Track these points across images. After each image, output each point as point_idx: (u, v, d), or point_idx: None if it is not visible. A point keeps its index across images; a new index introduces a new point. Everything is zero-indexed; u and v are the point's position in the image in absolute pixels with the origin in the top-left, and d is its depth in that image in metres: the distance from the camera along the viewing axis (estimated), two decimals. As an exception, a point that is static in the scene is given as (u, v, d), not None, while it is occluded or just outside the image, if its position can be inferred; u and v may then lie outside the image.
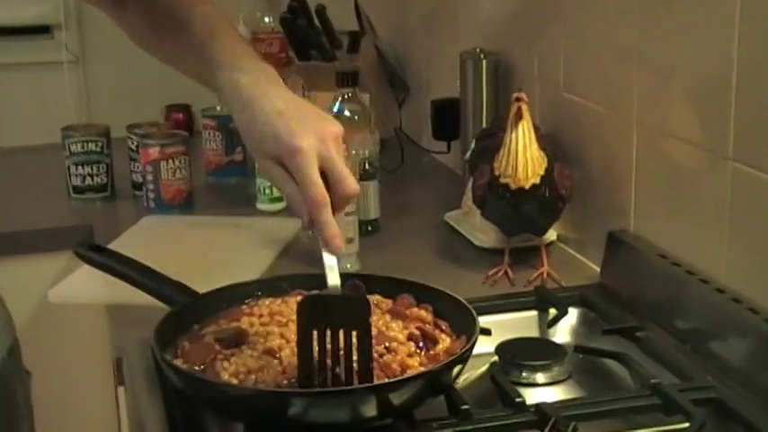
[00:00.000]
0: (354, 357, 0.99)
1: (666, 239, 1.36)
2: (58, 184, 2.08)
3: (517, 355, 1.21)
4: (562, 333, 1.34)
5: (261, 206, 1.91)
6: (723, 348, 1.18)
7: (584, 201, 1.55)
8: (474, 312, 1.14)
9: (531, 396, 1.12)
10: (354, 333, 0.99)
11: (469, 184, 1.71)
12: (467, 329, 1.13)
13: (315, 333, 1.00)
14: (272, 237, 1.73)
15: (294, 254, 1.67)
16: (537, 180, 1.44)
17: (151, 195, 1.94)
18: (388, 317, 1.17)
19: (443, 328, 1.16)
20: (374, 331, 1.11)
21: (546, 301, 1.37)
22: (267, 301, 1.23)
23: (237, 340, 1.12)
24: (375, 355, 1.05)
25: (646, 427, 1.07)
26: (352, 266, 1.56)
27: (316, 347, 1.00)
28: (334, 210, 1.06)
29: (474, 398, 1.10)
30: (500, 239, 1.60)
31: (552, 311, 1.36)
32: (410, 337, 1.11)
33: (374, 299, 1.23)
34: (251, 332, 1.13)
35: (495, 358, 1.22)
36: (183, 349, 1.11)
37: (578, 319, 1.35)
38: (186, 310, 1.18)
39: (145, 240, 1.74)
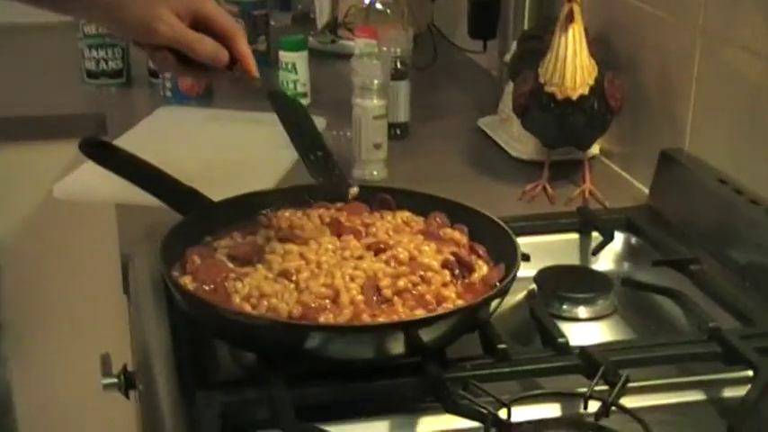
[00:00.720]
0: None
1: (726, 162, 1.21)
2: (70, 68, 1.93)
3: (559, 285, 1.08)
4: (606, 260, 1.20)
5: (284, 101, 1.77)
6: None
7: (634, 114, 1.39)
8: (514, 238, 1.00)
9: (572, 332, 0.98)
10: None
11: (508, 90, 1.55)
12: (506, 256, 1.00)
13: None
14: (287, 138, 1.59)
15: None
16: (586, 90, 1.28)
17: (168, 85, 1.80)
18: (420, 238, 1.04)
19: (480, 252, 1.02)
20: (405, 255, 0.98)
21: (589, 224, 1.23)
22: (287, 213, 1.10)
23: (252, 257, 0.99)
24: (409, 285, 0.92)
25: (702, 374, 0.95)
26: (378, 174, 1.42)
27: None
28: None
29: (509, 331, 0.97)
30: (539, 151, 1.46)
31: (596, 235, 1.22)
32: (445, 264, 0.98)
33: (403, 215, 1.10)
34: (267, 249, 1.00)
35: (534, 287, 1.09)
36: (193, 264, 0.98)
37: (624, 245, 1.21)
38: (197, 220, 1.05)
39: (159, 134, 1.61)
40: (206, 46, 1.05)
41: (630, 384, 0.87)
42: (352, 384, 0.87)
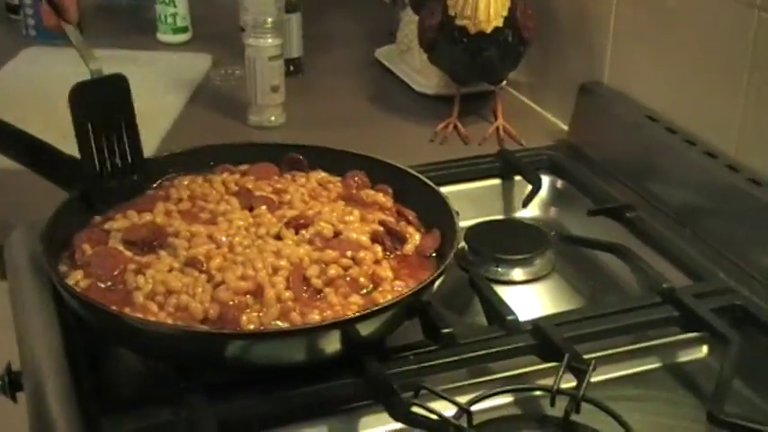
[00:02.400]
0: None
1: (648, 95, 1.09)
2: None
3: (492, 244, 0.94)
4: (532, 207, 1.07)
5: (162, 37, 1.55)
6: (728, 232, 0.94)
7: (544, 43, 1.25)
8: (449, 202, 0.85)
9: (511, 297, 0.85)
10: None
11: (407, 19, 1.39)
12: (439, 220, 0.85)
13: (90, 126, 0.89)
14: (178, 77, 1.39)
15: (206, 99, 1.34)
16: (500, 22, 1.13)
17: (30, 22, 1.56)
18: (341, 204, 0.88)
19: (410, 218, 0.87)
20: (329, 230, 0.82)
21: (511, 167, 1.09)
22: (186, 180, 0.92)
23: (153, 241, 0.82)
24: (340, 271, 0.77)
25: (655, 339, 0.83)
26: (277, 119, 1.25)
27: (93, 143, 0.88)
28: None
29: (443, 300, 0.83)
30: (444, 85, 1.30)
31: (518, 179, 1.09)
32: (374, 238, 0.82)
33: (318, 177, 0.94)
34: (170, 230, 0.83)
35: (464, 246, 0.95)
36: (83, 254, 0.80)
37: (550, 190, 1.08)
38: (83, 198, 0.87)
39: (26, 81, 1.38)
40: None
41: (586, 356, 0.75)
42: (282, 391, 0.71)
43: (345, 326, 0.70)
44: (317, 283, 0.75)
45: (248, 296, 0.73)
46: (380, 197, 0.89)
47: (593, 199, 1.03)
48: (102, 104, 0.90)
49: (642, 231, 0.96)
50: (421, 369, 0.75)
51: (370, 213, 0.86)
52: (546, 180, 1.08)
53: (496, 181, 1.09)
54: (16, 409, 0.95)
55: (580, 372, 0.72)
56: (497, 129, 1.22)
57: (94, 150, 0.88)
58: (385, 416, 0.71)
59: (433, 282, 0.75)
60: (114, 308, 0.72)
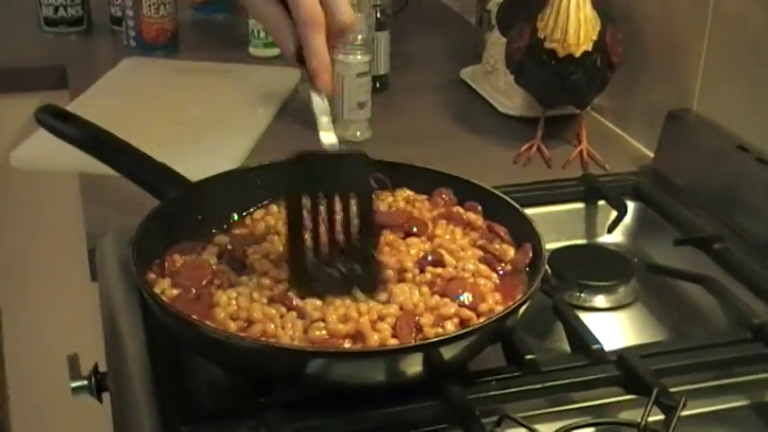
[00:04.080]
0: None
1: (738, 125, 1.03)
2: (26, 15, 1.67)
3: (576, 270, 0.89)
4: (614, 234, 1.01)
5: (254, 51, 1.53)
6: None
7: (630, 68, 1.19)
8: (536, 225, 0.81)
9: (592, 325, 0.80)
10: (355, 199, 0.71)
11: (493, 40, 1.35)
12: (527, 235, 0.81)
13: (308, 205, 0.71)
14: (267, 90, 1.36)
15: (293, 113, 1.31)
16: (589, 46, 1.08)
17: (131, 33, 1.55)
18: (444, 223, 0.84)
19: (502, 234, 0.83)
20: (443, 253, 0.77)
21: (595, 192, 1.04)
22: (274, 208, 0.86)
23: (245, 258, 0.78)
24: (456, 322, 0.71)
25: (742, 375, 0.77)
26: (362, 134, 1.21)
27: (309, 224, 0.71)
28: (327, 42, 0.73)
29: (527, 326, 0.78)
30: (528, 106, 1.26)
31: (602, 204, 1.04)
32: (481, 261, 0.78)
33: (404, 194, 0.90)
34: (270, 246, 0.79)
35: (547, 270, 0.90)
36: (173, 264, 0.77)
37: (634, 216, 1.02)
38: (174, 206, 0.84)
39: (124, 89, 1.37)
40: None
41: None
42: (361, 412, 0.68)
43: (428, 349, 0.66)
44: (429, 332, 0.69)
45: (346, 340, 0.68)
46: (472, 216, 0.85)
47: (679, 228, 0.97)
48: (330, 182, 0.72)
49: (730, 264, 0.90)
50: (503, 396, 0.70)
51: (469, 232, 0.82)
52: (630, 206, 1.02)
53: (579, 205, 1.04)
54: (102, 410, 0.93)
55: (669, 408, 0.66)
56: (581, 152, 1.16)
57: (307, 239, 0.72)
58: (464, 441, 0.67)
59: (519, 307, 0.70)
60: (195, 317, 0.69)
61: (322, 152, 0.72)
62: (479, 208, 0.86)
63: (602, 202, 1.03)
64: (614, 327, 0.86)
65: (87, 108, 1.22)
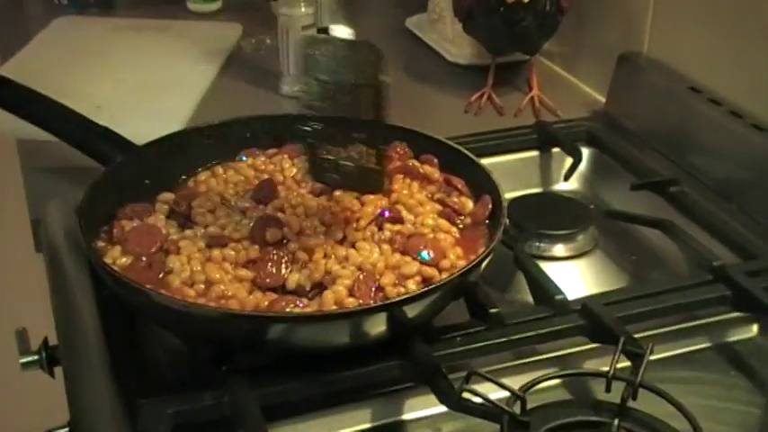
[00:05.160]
0: None
1: (692, 66, 1.02)
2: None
3: (534, 219, 0.88)
4: (570, 180, 1.01)
5: (193, 6, 1.48)
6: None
7: (579, 11, 1.18)
8: (494, 176, 0.79)
9: (553, 274, 0.79)
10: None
11: (438, -13, 1.32)
12: (485, 187, 0.79)
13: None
14: (209, 46, 1.32)
15: (237, 68, 1.27)
16: (538, -10, 1.06)
17: (63, -9, 1.50)
18: (400, 177, 0.82)
19: (459, 187, 0.81)
20: (401, 210, 0.76)
21: (549, 139, 1.03)
22: (202, 176, 0.84)
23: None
24: (419, 281, 0.70)
25: (704, 317, 0.77)
26: (309, 89, 1.18)
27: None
28: None
29: (488, 279, 0.77)
30: (477, 54, 1.24)
31: (556, 151, 1.03)
32: (440, 215, 0.77)
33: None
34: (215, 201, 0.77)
35: (506, 220, 0.89)
36: (122, 231, 0.75)
37: (588, 162, 1.01)
38: (120, 170, 0.81)
39: (58, 50, 1.32)
40: None
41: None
42: (325, 375, 0.66)
43: (392, 308, 0.64)
44: (391, 292, 0.68)
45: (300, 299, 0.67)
46: (428, 169, 0.83)
47: (634, 172, 0.96)
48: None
49: (687, 207, 0.90)
50: (468, 351, 0.69)
51: (424, 188, 0.81)
52: (585, 152, 1.01)
53: (534, 153, 1.03)
54: (54, 385, 0.90)
55: (636, 355, 0.66)
56: (533, 99, 1.15)
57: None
58: (431, 398, 0.66)
59: (481, 261, 0.69)
60: (150, 287, 0.66)
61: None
62: (435, 161, 0.84)
63: (556, 150, 1.02)
64: (575, 275, 0.86)
65: (20, 71, 1.17)
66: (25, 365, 0.84)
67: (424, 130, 0.88)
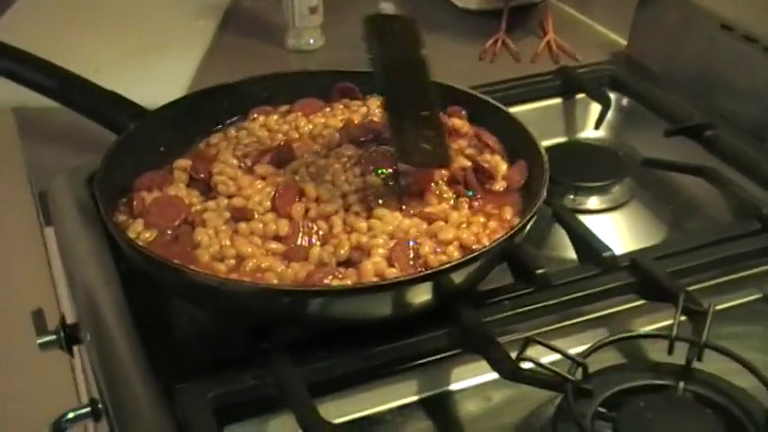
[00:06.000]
0: None
1: (723, 2, 0.98)
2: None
3: (567, 171, 0.85)
4: (594, 127, 0.97)
5: (183, -41, 1.43)
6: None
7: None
8: (531, 132, 0.76)
9: (593, 228, 0.76)
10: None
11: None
12: (521, 149, 0.75)
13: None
14: (205, 1, 1.27)
15: (238, 24, 1.22)
16: (555, -72, 1.02)
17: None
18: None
19: (491, 144, 0.77)
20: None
21: (573, 85, 0.99)
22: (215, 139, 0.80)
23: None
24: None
25: (750, 268, 0.74)
26: (316, 42, 1.14)
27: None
28: None
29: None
30: (487, -1, 1.19)
31: (580, 97, 0.99)
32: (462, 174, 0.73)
33: (377, 103, 0.84)
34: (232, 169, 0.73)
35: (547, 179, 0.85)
36: (142, 203, 0.71)
37: (615, 109, 0.97)
38: (135, 141, 0.77)
39: (47, 10, 1.26)
40: None
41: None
42: (370, 348, 0.63)
43: (438, 277, 0.61)
44: (433, 261, 0.64)
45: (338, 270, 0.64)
46: (457, 121, 0.79)
47: (663, 117, 0.93)
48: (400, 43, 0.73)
49: (724, 151, 0.86)
50: (518, 315, 0.66)
51: (454, 141, 0.77)
52: (611, 98, 0.97)
53: (557, 100, 0.99)
54: (62, 361, 0.86)
55: (696, 313, 0.63)
56: (549, 43, 1.11)
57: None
58: (478, 365, 0.63)
59: (526, 223, 0.66)
60: (179, 263, 0.63)
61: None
62: (464, 112, 0.80)
63: (580, 96, 0.99)
64: (612, 228, 0.83)
65: (9, 34, 1.12)
66: (44, 345, 0.81)
67: (439, 79, 0.83)
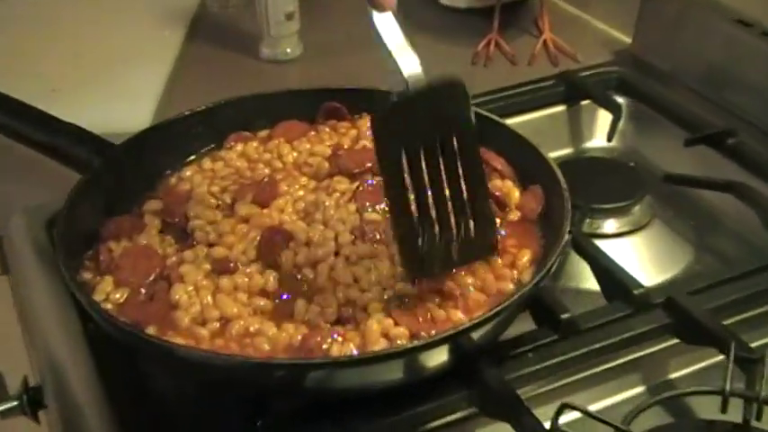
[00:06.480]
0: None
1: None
2: None
3: (578, 190, 0.76)
4: (603, 136, 0.90)
5: (145, -38, 1.34)
6: None
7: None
8: (544, 152, 0.68)
9: (612, 255, 0.68)
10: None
11: None
12: (534, 172, 0.68)
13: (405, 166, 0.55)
14: (170, 8, 1.18)
15: (206, 32, 1.13)
16: None
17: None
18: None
19: (500, 168, 0.69)
20: None
21: (576, 91, 0.91)
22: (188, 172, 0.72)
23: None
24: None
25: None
26: (293, 51, 1.05)
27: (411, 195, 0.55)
28: None
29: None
30: (475, -5, 1.11)
31: (585, 104, 0.91)
32: None
33: (367, 123, 0.76)
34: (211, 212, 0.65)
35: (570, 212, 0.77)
36: (110, 255, 0.62)
37: (624, 114, 0.90)
38: (100, 182, 0.68)
39: (6, 23, 1.17)
40: None
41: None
42: (383, 417, 0.55)
43: (457, 338, 0.53)
44: (438, 312, 0.57)
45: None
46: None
47: (679, 123, 0.85)
48: (425, 126, 0.55)
49: (749, 161, 0.79)
50: (544, 369, 0.59)
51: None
52: (621, 102, 0.90)
53: (560, 108, 0.92)
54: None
55: (748, 361, 0.56)
56: (546, 43, 1.03)
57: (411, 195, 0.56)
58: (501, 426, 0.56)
59: (553, 265, 0.58)
60: (155, 333, 0.54)
61: (415, 92, 0.55)
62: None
63: (585, 102, 0.91)
64: (634, 254, 0.75)
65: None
66: (4, 413, 0.72)
67: None
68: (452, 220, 0.56)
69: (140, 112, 0.92)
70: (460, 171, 0.56)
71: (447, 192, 0.56)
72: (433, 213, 0.55)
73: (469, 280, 0.59)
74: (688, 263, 0.74)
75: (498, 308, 0.54)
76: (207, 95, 0.94)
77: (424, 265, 0.57)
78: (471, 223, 0.57)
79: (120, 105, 0.94)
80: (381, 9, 0.57)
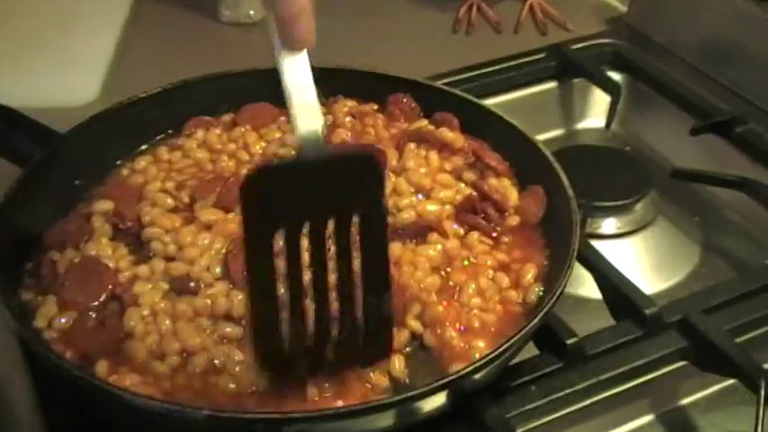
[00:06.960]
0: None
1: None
2: None
3: (578, 184, 0.70)
4: (597, 117, 0.83)
5: None
6: None
7: None
8: (547, 155, 0.61)
9: (611, 257, 0.62)
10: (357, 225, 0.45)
11: None
12: (532, 169, 0.61)
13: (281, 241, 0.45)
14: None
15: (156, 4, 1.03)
16: None
17: None
18: (413, 147, 0.63)
19: (494, 164, 0.62)
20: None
21: (568, 66, 0.84)
22: (143, 162, 0.64)
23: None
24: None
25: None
26: (256, 13, 0.95)
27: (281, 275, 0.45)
28: None
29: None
30: (455, -47, 1.03)
31: (577, 81, 0.84)
32: (465, 215, 0.58)
33: (346, 106, 0.68)
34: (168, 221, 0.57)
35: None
36: (53, 270, 0.54)
37: (623, 94, 0.83)
38: (41, 178, 0.60)
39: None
40: None
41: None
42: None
43: (457, 383, 0.47)
44: (431, 340, 0.51)
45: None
46: (449, 134, 0.64)
47: (680, 104, 0.79)
48: (317, 200, 0.45)
49: (759, 151, 0.73)
50: (549, 403, 0.53)
51: (446, 161, 0.62)
52: (618, 79, 0.83)
53: (551, 84, 0.85)
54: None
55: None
56: (532, 8, 0.96)
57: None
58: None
59: (562, 289, 0.51)
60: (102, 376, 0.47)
61: (299, 162, 0.46)
62: (456, 121, 0.65)
63: (577, 80, 0.84)
64: (636, 258, 0.69)
65: None
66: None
67: (408, 63, 0.68)
68: (333, 312, 0.46)
69: (87, 83, 0.84)
70: (356, 255, 0.45)
71: (332, 278, 0.45)
72: (308, 302, 0.45)
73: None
74: (694, 265, 0.69)
75: (500, 349, 0.47)
76: (161, 65, 0.87)
77: (285, 364, 0.47)
78: (360, 318, 0.46)
79: (63, 76, 0.85)
80: (296, 47, 0.46)
